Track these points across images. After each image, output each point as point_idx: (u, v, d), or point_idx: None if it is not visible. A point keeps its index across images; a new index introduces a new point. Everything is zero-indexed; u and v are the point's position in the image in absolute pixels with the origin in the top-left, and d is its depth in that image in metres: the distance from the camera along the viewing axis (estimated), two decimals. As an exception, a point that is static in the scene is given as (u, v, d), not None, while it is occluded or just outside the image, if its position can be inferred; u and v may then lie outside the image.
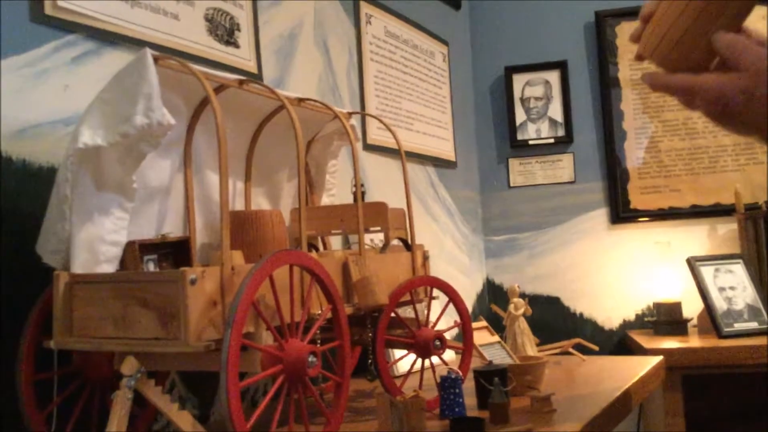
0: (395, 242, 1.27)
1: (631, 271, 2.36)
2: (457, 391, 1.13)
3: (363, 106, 1.77)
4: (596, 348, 1.68)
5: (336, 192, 1.39)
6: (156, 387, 0.83)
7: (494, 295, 2.48)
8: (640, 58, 0.84)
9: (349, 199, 1.41)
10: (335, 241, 1.51)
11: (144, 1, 1.15)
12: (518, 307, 1.49)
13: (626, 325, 2.37)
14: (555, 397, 1.17)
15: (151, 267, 0.96)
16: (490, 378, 1.16)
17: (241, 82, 1.03)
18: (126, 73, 0.87)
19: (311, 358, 0.85)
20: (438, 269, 2.12)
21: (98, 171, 0.90)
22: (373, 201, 1.27)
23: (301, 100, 1.16)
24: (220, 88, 1.04)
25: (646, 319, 2.30)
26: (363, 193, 1.32)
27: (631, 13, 2.35)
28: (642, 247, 2.33)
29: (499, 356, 1.38)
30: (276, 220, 1.10)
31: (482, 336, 1.42)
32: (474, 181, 2.48)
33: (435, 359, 1.20)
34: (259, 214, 1.12)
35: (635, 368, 1.50)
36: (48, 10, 1.00)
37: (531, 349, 1.47)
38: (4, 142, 0.93)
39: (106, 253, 0.89)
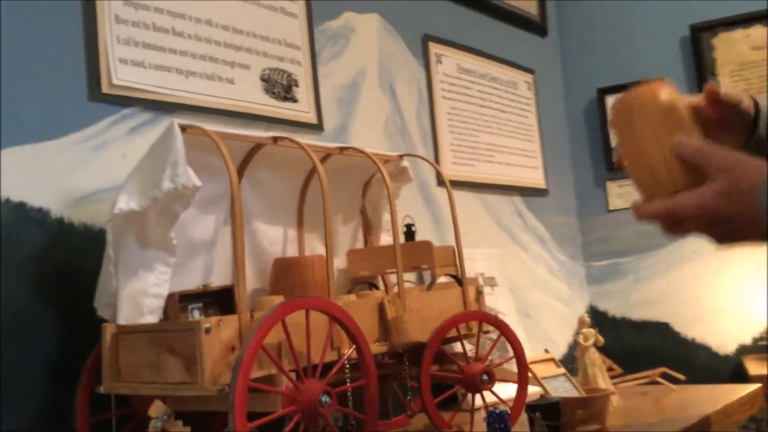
0: (443, 279, 1.30)
1: (744, 292, 2.22)
2: (503, 426, 1.14)
3: (435, 144, 1.82)
4: (682, 377, 1.60)
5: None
6: (184, 427, 0.92)
7: (599, 322, 2.42)
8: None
9: (426, 236, 1.45)
10: (410, 278, 1.55)
11: (199, 70, 1.27)
12: (588, 338, 1.46)
13: (743, 350, 2.23)
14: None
15: (197, 315, 1.05)
16: (542, 412, 1.17)
17: (275, 139, 1.11)
18: (158, 143, 0.98)
19: (324, 398, 0.91)
20: (530, 299, 2.11)
21: (142, 231, 1.00)
22: (421, 240, 1.30)
23: (342, 148, 1.23)
24: (256, 148, 1.13)
25: (759, 343, 2.16)
26: (414, 232, 1.36)
27: (728, 23, 2.24)
28: (754, 266, 2.19)
29: (563, 389, 1.37)
30: (317, 264, 1.17)
31: (547, 369, 1.41)
32: (570, 207, 2.44)
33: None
34: (300, 259, 1.19)
35: (725, 396, 1.43)
36: (105, 89, 1.13)
37: (603, 380, 1.43)
38: (66, 210, 1.07)
39: (150, 305, 0.99)
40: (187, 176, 0.95)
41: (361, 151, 1.23)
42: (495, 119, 2.07)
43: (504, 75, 2.15)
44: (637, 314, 2.38)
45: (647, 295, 2.38)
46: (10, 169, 1.01)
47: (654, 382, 1.64)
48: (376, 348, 1.09)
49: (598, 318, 2.43)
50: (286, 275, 1.16)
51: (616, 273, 2.44)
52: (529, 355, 1.47)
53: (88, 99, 1.12)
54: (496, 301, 1.83)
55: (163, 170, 0.95)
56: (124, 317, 0.97)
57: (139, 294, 0.99)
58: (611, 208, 2.43)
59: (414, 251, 1.26)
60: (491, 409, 1.16)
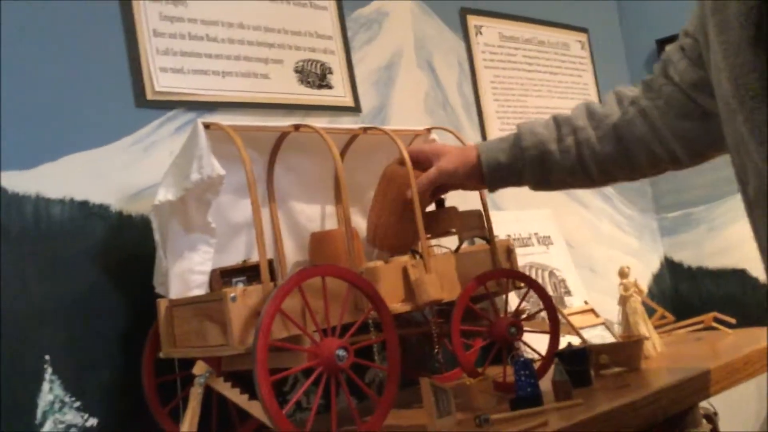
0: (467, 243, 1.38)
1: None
2: (528, 372, 1.22)
3: (480, 113, 1.89)
4: (733, 321, 1.62)
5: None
6: (225, 383, 1.06)
7: (675, 273, 2.41)
8: None
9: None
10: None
11: (234, 70, 1.41)
12: (627, 288, 1.51)
13: (826, 292, 2.17)
14: (653, 373, 1.21)
15: (240, 287, 1.20)
16: (567, 359, 1.24)
17: (296, 127, 1.24)
18: (188, 141, 1.12)
19: (341, 353, 1.03)
20: (594, 254, 2.15)
21: (184, 218, 1.15)
22: (447, 206, 1.39)
23: (365, 128, 1.34)
24: (283, 135, 1.26)
25: (839, 286, 2.10)
26: (443, 200, 1.44)
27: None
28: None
29: (600, 337, 1.43)
30: (343, 237, 1.29)
31: (587, 319, 1.48)
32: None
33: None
34: (330, 233, 1.31)
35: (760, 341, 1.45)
36: (149, 95, 1.29)
37: (644, 328, 1.48)
38: (124, 204, 1.24)
39: (196, 280, 1.15)
40: (212, 167, 1.09)
41: (382, 130, 1.33)
42: (544, 82, 2.11)
43: (552, 37, 2.18)
44: (714, 262, 2.36)
45: (722, 244, 2.35)
46: (73, 172, 1.19)
47: (709, 328, 1.66)
48: (401, 307, 1.19)
49: (674, 269, 2.43)
50: (320, 247, 1.29)
51: (689, 223, 2.42)
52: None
53: (135, 106, 1.28)
54: (552, 259, 1.89)
55: (192, 164, 1.09)
56: (175, 292, 1.13)
57: (186, 272, 1.14)
58: (686, 159, 2.40)
59: (440, 218, 1.35)
60: (517, 357, 1.25)
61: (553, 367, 1.20)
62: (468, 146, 1.27)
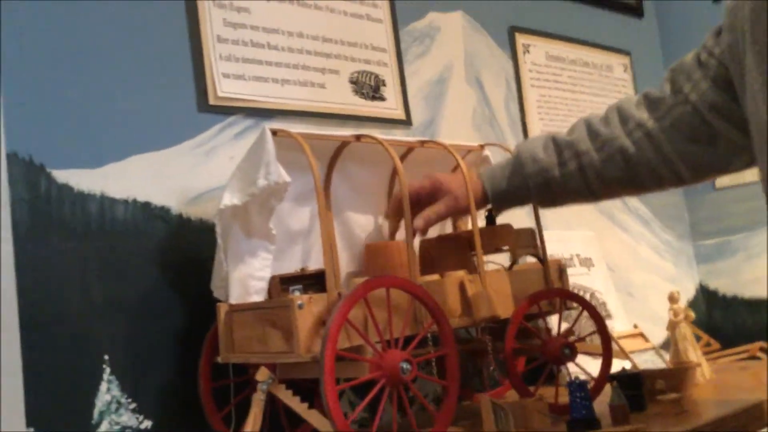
0: (524, 260, 1.38)
1: None
2: (583, 394, 1.21)
3: (525, 132, 1.89)
4: (780, 351, 1.60)
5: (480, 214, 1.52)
6: (287, 391, 1.06)
7: (710, 300, 2.39)
8: None
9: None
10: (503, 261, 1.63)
11: (293, 78, 1.41)
12: (677, 313, 1.50)
13: None
14: (703, 401, 1.20)
15: (297, 295, 1.19)
16: (623, 383, 1.23)
17: (358, 137, 1.23)
18: (254, 146, 1.12)
19: (405, 365, 1.02)
20: (633, 278, 2.13)
21: (246, 223, 1.15)
22: (502, 224, 1.39)
23: (423, 142, 1.34)
24: (343, 145, 1.26)
25: None
26: (494, 217, 1.44)
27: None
28: None
29: (650, 362, 1.41)
30: (403, 247, 1.28)
31: (636, 343, 1.46)
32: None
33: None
34: (387, 244, 1.31)
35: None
36: (211, 101, 1.29)
37: (693, 354, 1.46)
38: (184, 207, 1.24)
39: (255, 286, 1.14)
40: (279, 174, 1.09)
41: (440, 144, 1.33)
42: (589, 103, 2.11)
43: (597, 59, 2.18)
44: (749, 292, 2.34)
45: (759, 272, 2.33)
46: (136, 173, 1.19)
47: (754, 357, 1.64)
48: (457, 322, 1.19)
49: (708, 297, 2.41)
50: (375, 258, 1.28)
51: (726, 251, 2.40)
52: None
53: (197, 110, 1.28)
54: (593, 281, 1.87)
55: (258, 169, 1.09)
56: (235, 297, 1.12)
57: (246, 277, 1.14)
58: (718, 186, 2.39)
59: (495, 234, 1.34)
60: (573, 379, 1.23)
61: (611, 390, 1.19)
62: (472, 181, 1.25)
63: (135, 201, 1.19)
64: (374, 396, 1.00)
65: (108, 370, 1.11)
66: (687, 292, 2.37)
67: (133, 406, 1.13)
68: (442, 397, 1.12)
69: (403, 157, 1.38)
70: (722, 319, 2.37)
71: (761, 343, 1.62)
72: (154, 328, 1.17)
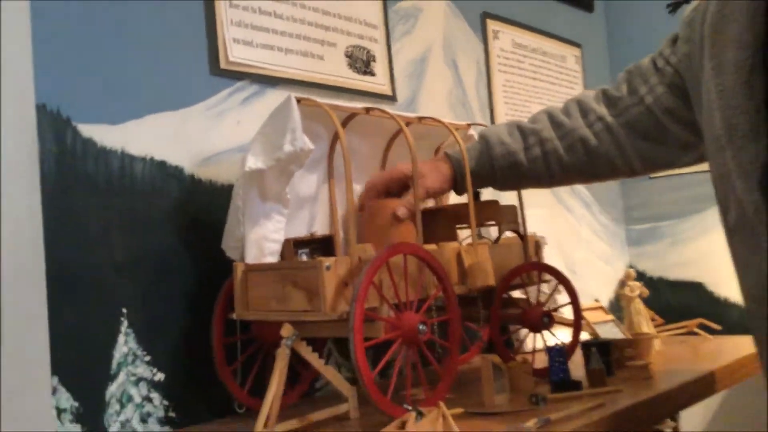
0: (509, 234, 1.48)
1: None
2: (562, 359, 1.32)
3: (492, 115, 1.98)
4: (718, 327, 1.77)
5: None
6: (308, 347, 1.11)
7: (638, 280, 2.58)
8: None
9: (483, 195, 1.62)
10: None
11: (295, 48, 1.45)
12: (633, 290, 1.64)
13: (773, 310, 2.38)
14: (658, 369, 1.33)
15: (304, 258, 1.25)
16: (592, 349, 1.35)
17: (367, 110, 1.29)
18: (278, 113, 1.16)
19: (422, 327, 1.09)
20: (576, 256, 2.28)
21: (262, 187, 1.19)
22: (488, 200, 1.48)
23: (421, 118, 1.41)
24: (351, 116, 1.31)
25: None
26: (479, 193, 1.53)
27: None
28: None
29: (611, 333, 1.55)
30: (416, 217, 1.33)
31: (597, 315, 1.59)
32: (613, 174, 2.59)
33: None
34: (387, 203, 1.35)
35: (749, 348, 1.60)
36: (223, 65, 1.32)
37: (646, 327, 1.61)
38: (195, 168, 1.26)
39: (270, 248, 1.19)
40: (304, 141, 1.13)
41: (438, 120, 1.40)
42: (545, 91, 2.23)
43: (554, 49, 2.30)
44: (674, 274, 2.54)
45: (683, 257, 2.54)
46: (154, 132, 1.21)
47: (692, 333, 1.82)
48: (456, 289, 1.27)
49: (637, 277, 2.59)
50: (375, 217, 1.33)
51: (654, 236, 2.59)
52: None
53: (210, 73, 1.30)
54: (547, 258, 2.00)
55: (284, 136, 1.13)
56: (251, 257, 1.17)
57: (262, 239, 1.18)
58: (652, 176, 2.57)
59: (483, 210, 1.43)
60: (552, 345, 1.35)
61: (588, 355, 1.31)
62: (438, 160, 1.34)
63: (152, 159, 1.21)
64: (398, 356, 1.07)
65: (125, 323, 1.14)
66: (618, 271, 2.55)
67: (148, 358, 1.16)
68: (442, 358, 1.20)
69: (396, 133, 1.45)
70: (649, 298, 2.56)
71: (700, 320, 1.79)
72: (168, 285, 1.20)
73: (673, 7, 2.34)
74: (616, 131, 1.20)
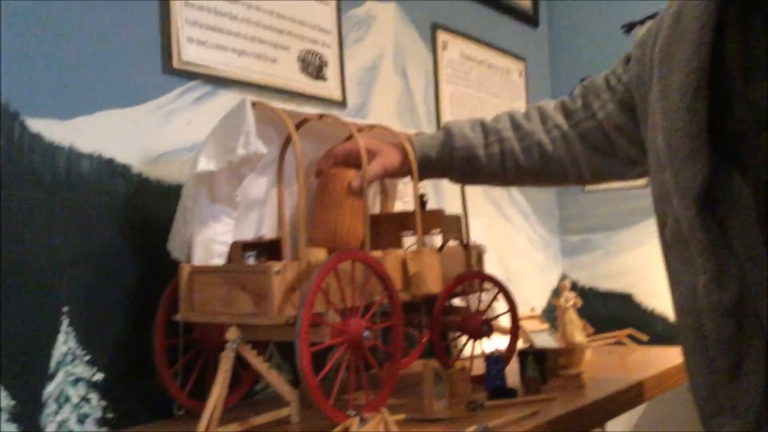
0: (452, 243, 1.51)
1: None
2: (500, 366, 1.36)
3: (438, 123, 2.02)
4: (645, 338, 1.85)
5: (409, 199, 1.65)
6: (252, 351, 1.12)
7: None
8: None
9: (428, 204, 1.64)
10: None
11: (249, 50, 1.45)
12: (568, 300, 1.69)
13: (696, 322, 2.49)
14: (590, 378, 1.38)
15: (252, 261, 1.25)
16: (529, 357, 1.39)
17: (320, 116, 1.30)
18: (232, 115, 1.16)
19: (367, 333, 1.11)
20: (512, 265, 2.34)
21: (212, 188, 1.19)
22: (433, 208, 1.51)
23: (371, 126, 1.43)
24: (303, 122, 1.32)
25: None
26: (425, 202, 1.56)
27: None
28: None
29: (546, 342, 1.59)
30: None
31: (534, 324, 1.64)
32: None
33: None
34: (346, 173, 1.34)
35: (675, 359, 1.68)
36: (175, 64, 1.31)
37: (579, 337, 1.67)
38: (144, 167, 1.25)
39: (218, 250, 1.19)
40: (257, 145, 1.14)
41: (389, 129, 1.42)
42: (489, 103, 2.28)
43: (499, 62, 2.35)
44: (604, 285, 2.63)
45: (614, 269, 2.63)
46: (103, 129, 1.20)
47: (620, 343, 1.89)
48: (401, 296, 1.29)
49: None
50: (329, 185, 1.32)
51: (587, 247, 2.68)
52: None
53: (162, 72, 1.29)
54: (485, 266, 2.05)
55: (237, 138, 1.13)
56: (198, 259, 1.16)
57: (209, 241, 1.18)
58: (586, 189, 2.66)
59: (428, 218, 1.46)
60: (491, 352, 1.38)
61: (525, 364, 1.35)
62: (399, 142, 1.34)
63: (100, 156, 1.19)
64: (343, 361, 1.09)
65: (66, 321, 1.12)
66: (552, 281, 2.63)
67: (87, 358, 1.14)
68: (384, 363, 1.22)
69: (346, 139, 1.47)
70: (580, 308, 2.65)
71: (629, 330, 1.87)
72: (110, 284, 1.19)
73: (628, 28, 2.42)
74: (571, 140, 1.25)
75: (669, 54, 0.94)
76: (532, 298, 2.43)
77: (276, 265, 1.07)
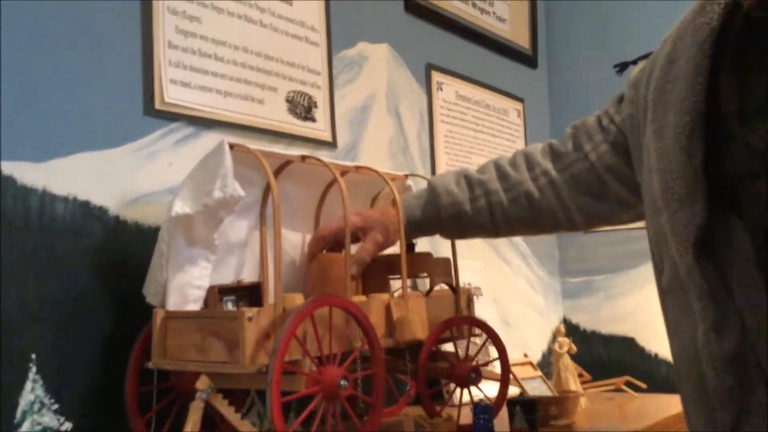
0: (441, 287, 1.47)
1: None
2: (487, 416, 1.32)
3: (433, 164, 2.00)
4: (644, 386, 1.80)
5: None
6: (224, 401, 1.08)
7: (571, 333, 2.61)
8: None
9: (421, 247, 1.61)
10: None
11: (234, 91, 1.44)
12: (562, 346, 1.65)
13: (701, 367, 2.42)
14: (583, 428, 1.33)
15: (230, 306, 1.22)
16: (521, 407, 1.35)
17: (303, 158, 1.28)
18: (209, 157, 1.14)
19: (343, 382, 1.08)
20: (510, 308, 2.30)
21: (189, 231, 1.16)
22: (422, 251, 1.48)
23: (357, 167, 1.40)
24: (286, 163, 1.30)
25: (716, 361, 2.36)
26: (414, 245, 1.53)
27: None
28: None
29: (539, 389, 1.55)
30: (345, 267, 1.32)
31: (526, 371, 1.60)
32: (551, 227, 2.63)
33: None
34: (337, 257, 1.34)
35: (675, 407, 1.62)
36: (158, 105, 1.30)
37: (574, 384, 1.62)
38: (121, 210, 1.23)
39: (193, 295, 1.16)
40: (234, 187, 1.11)
41: (374, 171, 1.40)
42: (486, 143, 2.26)
43: (496, 103, 2.34)
44: (606, 328, 2.58)
45: (616, 312, 2.58)
46: (79, 171, 1.18)
47: (619, 390, 1.83)
48: (383, 342, 1.26)
49: (570, 330, 2.62)
50: (328, 271, 1.31)
51: (589, 289, 2.63)
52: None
53: (143, 113, 1.28)
54: (481, 310, 2.00)
55: (214, 181, 1.11)
56: (173, 304, 1.13)
57: (185, 285, 1.15)
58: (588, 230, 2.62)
59: (416, 261, 1.42)
60: (477, 402, 1.34)
61: (513, 413, 1.31)
62: (386, 208, 1.34)
63: (75, 199, 1.17)
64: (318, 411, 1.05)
65: (34, 369, 1.09)
66: (552, 324, 2.57)
67: (56, 407, 1.11)
68: (365, 413, 1.18)
69: (332, 181, 1.44)
70: (581, 352, 2.59)
71: (627, 378, 1.81)
72: (82, 330, 1.16)
73: (621, 68, 2.41)
74: (560, 186, 1.22)
75: (663, 95, 0.92)
76: (532, 341, 2.38)
77: (249, 311, 1.04)
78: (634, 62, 2.38)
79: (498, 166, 1.29)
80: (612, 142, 1.15)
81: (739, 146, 0.84)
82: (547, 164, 1.23)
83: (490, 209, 1.26)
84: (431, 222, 1.30)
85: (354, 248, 1.27)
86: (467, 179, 1.29)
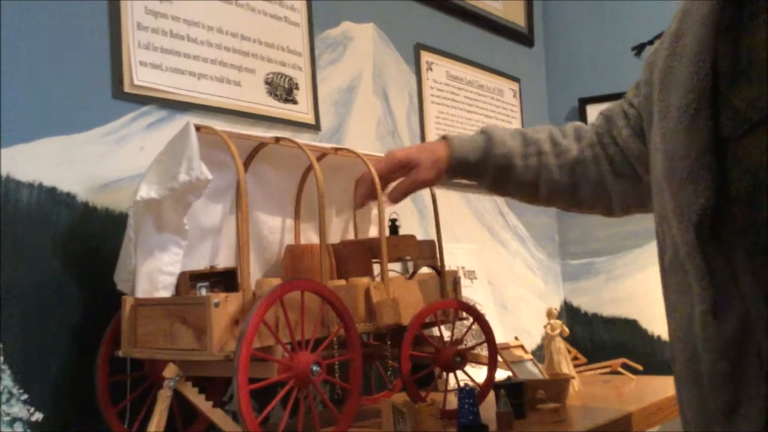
0: (425, 270, 1.44)
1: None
2: (472, 401, 1.28)
3: (423, 145, 1.96)
4: (640, 368, 1.75)
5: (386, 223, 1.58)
6: (192, 388, 1.06)
7: (572, 316, 2.57)
8: None
9: (412, 231, 1.58)
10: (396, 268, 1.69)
11: (209, 73, 1.40)
12: (554, 328, 1.61)
13: (704, 348, 2.38)
14: (576, 410, 1.30)
15: (203, 292, 1.19)
16: (508, 391, 1.31)
17: (277, 140, 1.25)
18: (176, 140, 1.11)
19: (315, 368, 1.05)
20: (508, 292, 2.26)
21: (159, 217, 1.14)
22: (405, 234, 1.44)
23: (337, 149, 1.37)
24: (261, 146, 1.27)
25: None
26: (398, 227, 1.49)
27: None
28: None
29: (528, 373, 1.51)
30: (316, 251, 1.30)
31: (516, 354, 1.56)
32: (550, 209, 2.58)
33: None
34: (309, 247, 1.32)
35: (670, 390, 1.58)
36: (127, 88, 1.27)
37: (566, 367, 1.58)
38: (90, 195, 1.20)
39: (164, 281, 1.13)
40: (201, 170, 1.08)
41: (353, 152, 1.36)
42: (480, 123, 2.21)
43: (490, 82, 2.29)
44: (608, 311, 2.53)
45: (618, 294, 2.53)
46: (44, 157, 1.15)
47: (616, 372, 1.79)
48: (362, 328, 1.22)
49: (571, 313, 2.58)
50: (299, 261, 1.29)
51: (589, 272, 2.58)
52: (503, 342, 1.62)
53: (112, 96, 1.25)
54: (475, 293, 1.97)
55: (180, 164, 1.08)
56: (142, 291, 1.11)
57: (155, 271, 1.12)
58: (588, 210, 2.57)
59: (399, 244, 1.39)
60: (462, 385, 1.30)
61: (498, 397, 1.27)
62: (437, 144, 1.27)
63: (41, 185, 1.14)
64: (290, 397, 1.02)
65: (1, 358, 1.06)
66: (553, 306, 2.53)
67: (25, 397, 1.09)
68: (343, 399, 1.15)
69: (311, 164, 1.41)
70: (582, 334, 2.56)
71: (623, 360, 1.77)
72: (51, 318, 1.13)
73: (638, 50, 2.35)
74: (601, 162, 1.19)
75: (668, 74, 0.90)
76: (531, 325, 2.34)
77: (215, 297, 1.01)
78: (651, 42, 2.32)
79: (551, 132, 1.25)
80: (632, 126, 1.13)
81: (726, 108, 0.81)
82: (594, 139, 1.21)
83: (538, 169, 1.22)
84: (478, 168, 1.24)
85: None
86: (523, 136, 1.25)
